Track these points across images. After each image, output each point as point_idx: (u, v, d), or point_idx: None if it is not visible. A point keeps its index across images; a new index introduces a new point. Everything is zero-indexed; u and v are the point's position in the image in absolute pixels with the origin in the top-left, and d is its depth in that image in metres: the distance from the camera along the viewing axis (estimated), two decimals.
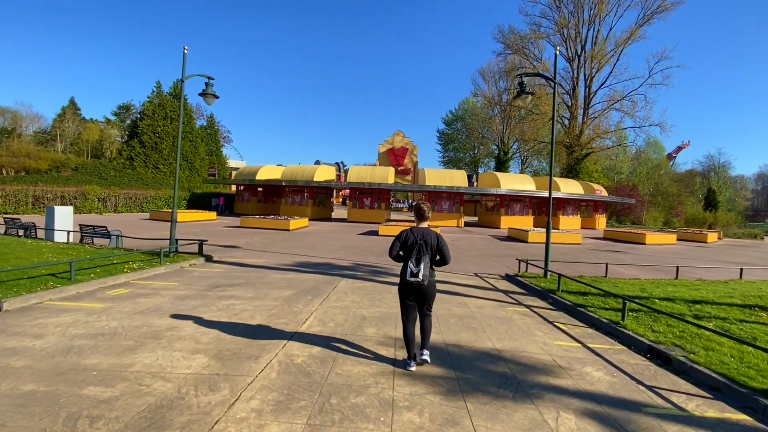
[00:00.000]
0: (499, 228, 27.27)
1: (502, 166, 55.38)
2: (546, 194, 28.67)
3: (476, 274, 9.87)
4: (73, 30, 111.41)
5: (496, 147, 63.50)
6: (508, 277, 9.57)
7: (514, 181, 28.24)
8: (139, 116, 37.42)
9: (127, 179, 32.24)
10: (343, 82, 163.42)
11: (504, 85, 55.73)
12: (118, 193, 27.89)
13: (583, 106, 43.34)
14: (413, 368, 3.82)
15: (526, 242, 18.71)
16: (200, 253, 10.40)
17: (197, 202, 33.83)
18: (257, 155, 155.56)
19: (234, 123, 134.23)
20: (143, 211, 28.78)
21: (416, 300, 3.85)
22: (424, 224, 3.94)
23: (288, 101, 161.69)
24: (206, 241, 11.04)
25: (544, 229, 21.47)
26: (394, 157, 61.00)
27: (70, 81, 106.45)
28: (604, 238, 23.31)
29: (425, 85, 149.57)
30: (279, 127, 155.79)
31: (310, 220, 27.42)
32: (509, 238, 20.48)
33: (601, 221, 34.19)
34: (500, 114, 59.99)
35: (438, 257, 3.82)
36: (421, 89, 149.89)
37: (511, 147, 61.44)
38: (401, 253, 3.82)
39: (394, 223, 20.89)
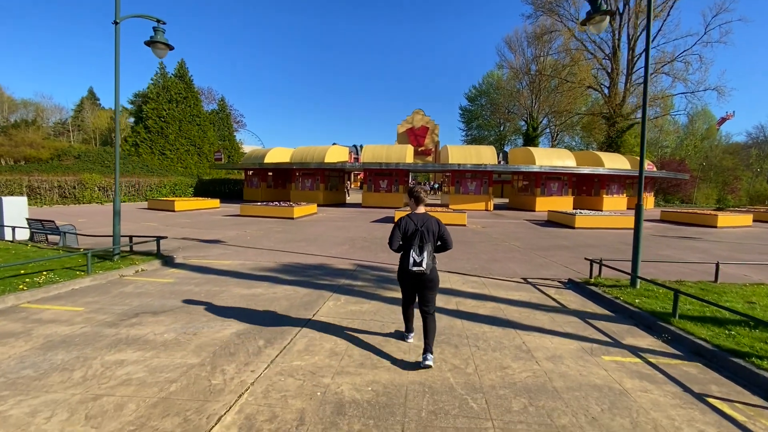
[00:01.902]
0: (534, 211, 24.00)
1: (530, 142, 51.12)
2: (588, 171, 25.06)
3: (526, 280, 7.04)
4: (91, 18, 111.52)
5: (524, 122, 58.98)
6: (575, 286, 6.69)
7: (551, 157, 24.69)
8: (143, 100, 35.62)
9: (132, 166, 30.63)
10: (360, 63, 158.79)
11: (533, 52, 50.95)
12: (119, 182, 26.18)
13: (625, 71, 38.51)
14: (411, 340, 3.89)
15: (573, 228, 15.56)
16: (157, 253, 8.01)
17: (206, 189, 32.04)
18: (274, 140, 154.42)
19: (250, 108, 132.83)
20: (147, 200, 27.10)
21: (418, 289, 3.61)
22: (422, 209, 3.61)
23: (304, 85, 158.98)
24: (165, 237, 8.60)
25: (593, 212, 18.20)
26: (414, 137, 57.55)
27: (90, 71, 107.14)
28: (662, 221, 19.75)
29: (446, 60, 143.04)
30: (296, 111, 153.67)
31: (322, 206, 24.99)
32: (550, 223, 17.34)
33: (649, 201, 30.25)
34: (529, 86, 55.32)
35: (439, 243, 3.57)
36: (442, 65, 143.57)
37: (541, 122, 56.85)
38: (401, 242, 3.51)
39: None
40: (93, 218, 16.31)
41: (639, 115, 38.51)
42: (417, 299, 3.73)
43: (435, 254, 3.57)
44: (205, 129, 37.86)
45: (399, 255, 3.59)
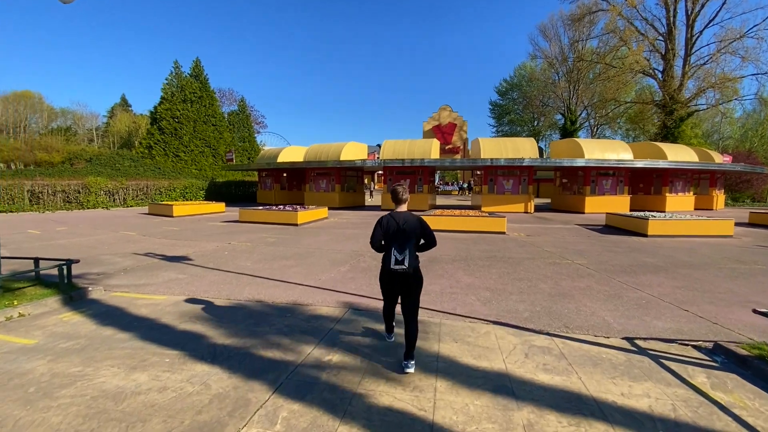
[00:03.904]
0: (583, 213, 20.42)
1: (568, 137, 46.69)
2: (650, 164, 20.87)
3: (633, 343, 4.00)
4: (124, 25, 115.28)
5: (560, 116, 54.45)
6: (738, 364, 3.58)
7: (603, 149, 20.96)
8: (160, 102, 34.45)
9: (143, 169, 29.30)
10: (383, 58, 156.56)
11: (571, 37, 46.58)
12: (126, 185, 24.76)
13: (683, 52, 33.76)
14: (392, 339, 3.87)
15: (645, 236, 12.13)
16: (62, 285, 5.52)
17: (219, 191, 30.24)
18: (300, 142, 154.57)
19: (275, 110, 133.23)
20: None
21: (400, 290, 3.45)
22: (403, 207, 3.52)
23: (328, 85, 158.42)
24: (77, 261, 6.04)
25: (665, 214, 14.56)
26: (441, 134, 54.51)
27: (124, 78, 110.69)
28: (753, 224, 15.79)
29: (475, 54, 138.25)
30: (321, 112, 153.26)
31: (337, 209, 22.47)
32: (609, 229, 13.91)
33: (719, 200, 25.69)
34: (565, 76, 50.91)
35: (423, 242, 3.45)
36: (471, 58, 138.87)
37: (579, 115, 52.17)
38: (383, 242, 3.44)
39: (439, 211, 15.14)
40: (75, 227, 14.42)
41: (701, 101, 33.74)
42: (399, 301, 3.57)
43: (418, 253, 3.46)
44: (221, 130, 36.30)
45: (370, 246, 3.51)
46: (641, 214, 13.88)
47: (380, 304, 5.07)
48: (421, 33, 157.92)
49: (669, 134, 33.11)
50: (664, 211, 20.60)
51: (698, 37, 33.34)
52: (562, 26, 48.58)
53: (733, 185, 35.00)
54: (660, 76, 34.92)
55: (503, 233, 12.47)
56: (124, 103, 79.17)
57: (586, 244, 10.63)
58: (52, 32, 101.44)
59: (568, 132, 47.90)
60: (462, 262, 8.08)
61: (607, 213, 15.47)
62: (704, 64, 32.37)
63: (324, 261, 8.14)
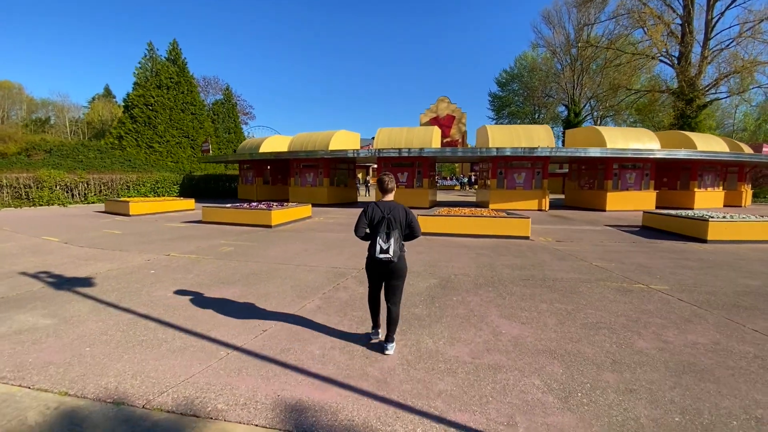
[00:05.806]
0: (604, 210, 17.91)
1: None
2: (687, 154, 17.36)
3: None
4: (111, 15, 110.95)
5: (564, 107, 51.95)
6: None
7: (627, 137, 18.38)
8: (132, 87, 31.45)
9: (110, 161, 26.34)
10: (377, 48, 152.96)
11: (576, 24, 43.91)
12: (86, 179, 21.87)
13: (703, 36, 31.27)
14: (377, 339, 3.60)
15: (704, 241, 9.64)
16: None
17: (197, 186, 27.28)
18: (288, 134, 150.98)
19: (262, 100, 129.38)
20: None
21: (385, 278, 3.44)
22: (389, 197, 3.52)
23: (319, 73, 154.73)
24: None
25: (723, 214, 11.83)
26: (439, 127, 51.80)
27: (110, 69, 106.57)
28: None
29: (474, 43, 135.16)
30: (310, 103, 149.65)
31: (325, 205, 19.83)
32: (650, 231, 11.40)
33: (748, 196, 23.33)
34: (569, 66, 48.30)
35: (408, 231, 3.45)
36: (469, 48, 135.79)
37: (583, 107, 49.70)
38: (368, 231, 3.45)
39: (445, 210, 12.37)
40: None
41: (722, 88, 31.29)
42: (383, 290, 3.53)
43: (404, 242, 3.39)
44: (201, 119, 33.34)
45: (354, 234, 3.41)
46: (692, 213, 11.35)
47: (361, 411, 2.45)
48: (416, 22, 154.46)
49: (686, 124, 30.69)
50: (693, 209, 18.21)
51: (719, 19, 30.88)
52: (567, 12, 46.04)
53: (753, 180, 32.81)
54: (677, 62, 32.44)
55: (527, 238, 9.89)
56: (108, 94, 75.35)
57: (642, 256, 8.06)
58: (34, 20, 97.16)
59: (572, 124, 45.39)
60: (490, 288, 5.47)
61: (644, 211, 12.93)
62: (726, 47, 29.90)
63: (285, 287, 5.50)
